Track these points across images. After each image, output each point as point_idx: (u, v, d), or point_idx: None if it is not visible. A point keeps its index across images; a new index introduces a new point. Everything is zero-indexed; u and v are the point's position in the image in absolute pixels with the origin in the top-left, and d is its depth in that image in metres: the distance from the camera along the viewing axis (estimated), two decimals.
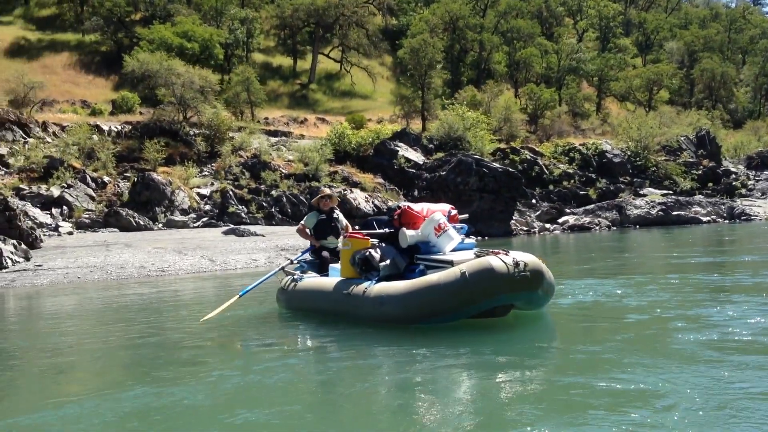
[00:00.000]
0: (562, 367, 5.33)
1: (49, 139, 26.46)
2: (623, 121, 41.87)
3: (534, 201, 32.82)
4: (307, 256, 9.00)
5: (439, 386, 4.93)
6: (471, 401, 4.56)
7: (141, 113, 35.47)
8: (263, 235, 20.22)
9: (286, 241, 19.83)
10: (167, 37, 50.53)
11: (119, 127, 28.50)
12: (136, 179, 22.88)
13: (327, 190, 9.18)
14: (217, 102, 29.37)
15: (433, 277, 6.39)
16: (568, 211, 31.55)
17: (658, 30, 78.21)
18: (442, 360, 5.51)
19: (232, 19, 58.58)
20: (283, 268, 8.76)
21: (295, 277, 8.21)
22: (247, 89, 42.01)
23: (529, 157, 34.56)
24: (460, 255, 6.66)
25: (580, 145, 37.75)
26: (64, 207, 20.69)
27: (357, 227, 8.24)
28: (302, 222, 8.75)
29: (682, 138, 40.41)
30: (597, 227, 30.05)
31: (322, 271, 8.34)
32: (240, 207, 24.08)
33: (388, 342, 6.30)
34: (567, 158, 36.00)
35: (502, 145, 36.36)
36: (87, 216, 20.65)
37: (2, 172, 22.81)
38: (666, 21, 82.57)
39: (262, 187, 25.60)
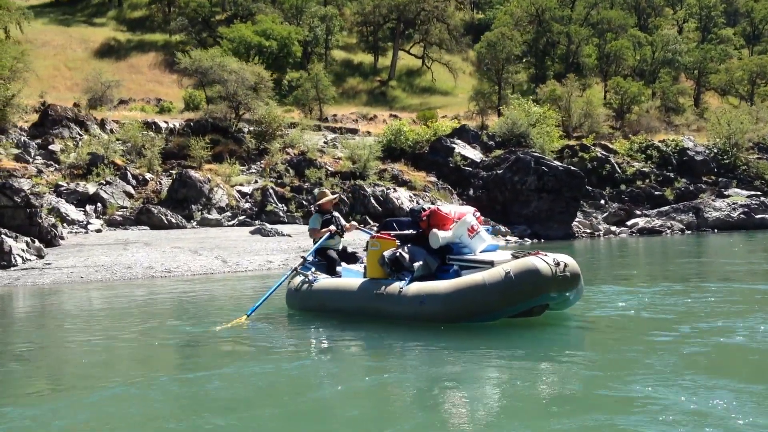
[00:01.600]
0: (589, 371, 5.33)
1: (105, 137, 26.92)
2: (711, 116, 38.64)
3: (603, 202, 30.72)
4: (310, 258, 8.96)
5: (463, 387, 5.02)
6: (494, 403, 4.61)
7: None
8: (290, 235, 19.60)
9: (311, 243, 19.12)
10: (246, 36, 51.26)
11: (176, 125, 28.68)
12: (174, 177, 22.79)
13: (327, 191, 9.37)
14: (270, 98, 29.01)
15: (477, 276, 6.52)
16: (638, 213, 29.32)
17: (767, 19, 72.56)
18: (468, 360, 5.66)
19: (312, 17, 58.76)
20: (295, 269, 8.66)
21: (309, 278, 8.14)
22: (316, 86, 41.71)
23: (600, 155, 32.41)
24: (498, 255, 6.85)
25: (659, 141, 35.12)
26: (99, 204, 20.82)
27: (377, 229, 8.34)
28: (310, 227, 8.94)
29: None
30: (669, 231, 27.72)
31: (330, 272, 8.44)
32: (279, 205, 23.60)
33: (416, 342, 6.43)
34: (644, 156, 33.54)
35: (572, 142, 34.28)
36: (120, 213, 20.68)
37: (52, 169, 23.28)
38: None
39: (306, 185, 25.03)
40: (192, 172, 23.02)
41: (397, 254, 7.22)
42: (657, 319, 7.39)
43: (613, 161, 32.27)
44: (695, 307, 8.17)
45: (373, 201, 23.99)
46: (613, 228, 28.18)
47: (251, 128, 28.79)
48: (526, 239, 26.29)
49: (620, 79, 51.60)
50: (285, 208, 23.72)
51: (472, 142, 31.40)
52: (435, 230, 7.11)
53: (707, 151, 34.47)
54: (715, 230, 27.95)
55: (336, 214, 8.97)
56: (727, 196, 30.87)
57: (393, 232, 7.71)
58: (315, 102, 42.60)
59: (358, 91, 61.33)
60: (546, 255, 6.49)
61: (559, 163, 28.04)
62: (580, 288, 6.82)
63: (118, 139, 24.83)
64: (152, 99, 42.65)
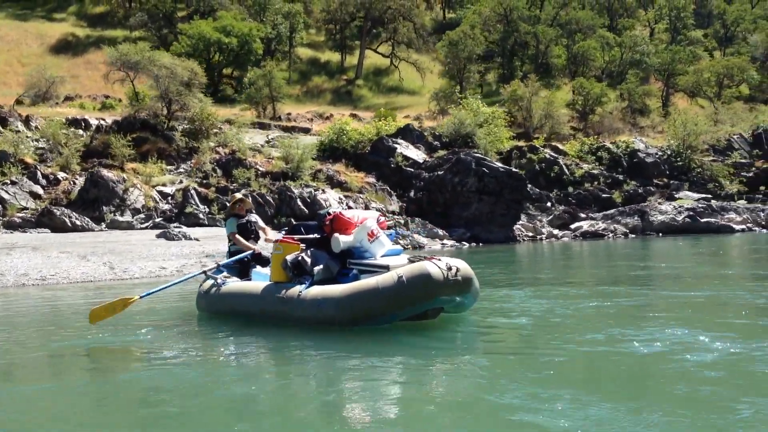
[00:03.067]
0: (467, 378, 5.33)
1: (11, 135, 25.80)
2: (670, 118, 37.99)
3: (549, 204, 29.93)
4: (224, 261, 8.91)
5: (357, 392, 5.01)
6: (397, 404, 4.64)
7: None
8: (197, 239, 18.62)
9: (220, 247, 18.11)
10: (206, 32, 50.22)
11: (107, 122, 27.59)
12: (86, 177, 21.72)
13: (238, 195, 9.30)
14: (203, 96, 27.97)
15: (371, 280, 6.62)
16: (582, 216, 28.53)
17: (739, 21, 72.21)
18: (370, 363, 5.68)
19: (275, 14, 57.72)
20: (204, 272, 8.64)
21: (218, 281, 8.19)
22: (269, 84, 40.69)
23: (549, 156, 31.63)
24: (395, 260, 6.94)
25: (610, 143, 34.40)
26: None
27: (284, 231, 8.39)
28: (227, 231, 8.71)
29: (735, 137, 36.27)
30: (612, 235, 26.95)
31: (242, 275, 8.41)
32: (201, 207, 22.62)
33: (317, 345, 6.42)
34: (594, 158, 32.77)
35: (521, 143, 33.48)
36: (21, 215, 19.59)
37: None
38: (750, 12, 76.08)
39: (233, 186, 24.05)
40: (104, 172, 21.95)
41: (299, 258, 7.30)
42: (552, 326, 7.31)
43: (561, 163, 31.51)
44: (594, 314, 8.06)
45: (299, 203, 23.04)
46: (556, 231, 27.38)
47: (184, 126, 27.73)
48: (464, 243, 25.45)
49: (583, 79, 50.94)
50: (207, 209, 22.73)
51: (416, 142, 30.53)
52: (336, 235, 7.17)
53: (660, 153, 33.78)
54: (660, 234, 27.21)
55: (254, 217, 8.82)
56: (677, 199, 30.17)
57: (297, 236, 7.75)
58: (268, 100, 41.58)
59: (323, 89, 60.35)
60: (439, 260, 6.56)
61: (500, 165, 27.20)
62: (474, 292, 6.90)
63: (40, 138, 23.68)
64: (100, 96, 41.45)
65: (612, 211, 28.82)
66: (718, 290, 10.22)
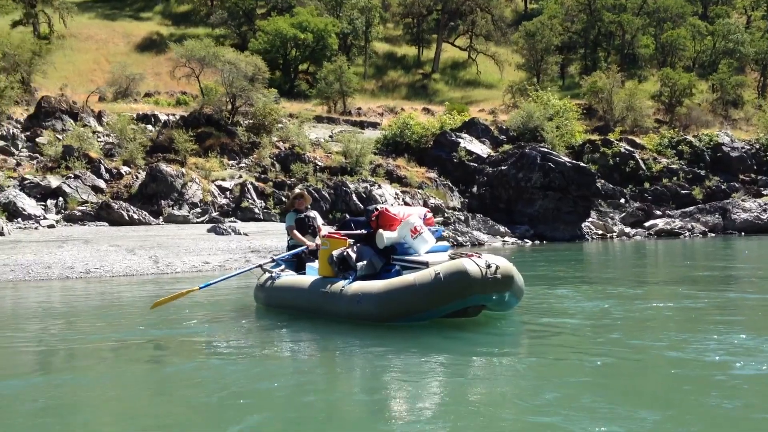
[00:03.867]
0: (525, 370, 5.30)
1: (100, 129, 26.59)
2: (762, 110, 35.54)
3: (623, 201, 28.48)
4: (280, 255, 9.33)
5: (398, 387, 4.99)
6: (440, 401, 4.57)
7: None
8: (247, 234, 18.59)
9: (267, 242, 18.02)
10: (282, 29, 50.72)
11: (175, 118, 28.12)
12: (147, 171, 22.10)
13: (298, 190, 9.50)
14: (268, 90, 28.08)
15: (409, 277, 6.63)
16: (658, 213, 26.96)
17: None
18: (413, 359, 5.65)
19: (352, 9, 57.74)
20: (261, 266, 8.86)
21: (273, 274, 8.37)
22: (339, 79, 40.62)
23: (624, 151, 30.07)
24: (435, 257, 6.93)
25: (693, 136, 32.43)
26: (60, 198, 20.28)
27: (336, 227, 8.41)
28: (286, 225, 8.90)
29: None
30: (689, 233, 25.34)
31: (299, 269, 8.51)
32: (257, 201, 22.63)
33: (364, 340, 6.44)
34: (674, 152, 30.95)
35: (595, 137, 32.02)
36: (81, 209, 20.09)
37: (34, 162, 22.97)
38: None
39: (290, 180, 23.97)
40: (163, 166, 22.26)
41: (345, 253, 7.33)
42: (603, 327, 7.00)
43: (638, 157, 29.91)
44: (652, 316, 7.71)
45: (354, 198, 22.72)
46: (628, 229, 25.99)
47: (248, 121, 27.91)
48: (526, 240, 24.52)
49: (669, 70, 48.43)
50: (263, 204, 22.72)
51: (481, 136, 29.68)
52: (380, 231, 7.22)
53: (748, 147, 31.59)
54: (742, 233, 25.40)
55: (312, 213, 8.94)
56: (764, 196, 28.13)
57: (344, 232, 7.80)
58: (339, 95, 41.52)
59: (398, 84, 60.00)
60: (479, 257, 6.53)
61: (567, 159, 26.04)
62: (516, 290, 6.80)
63: (110, 133, 24.30)
64: (177, 92, 42.46)
65: (691, 208, 27.15)
66: None
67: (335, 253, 7.40)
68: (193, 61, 29.05)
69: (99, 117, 27.60)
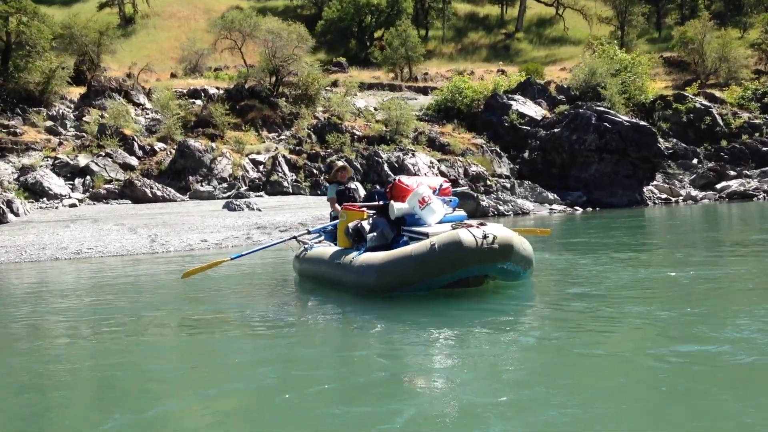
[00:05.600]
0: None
1: (149, 106, 26.91)
2: None
3: (696, 161, 25.99)
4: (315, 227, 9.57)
5: (408, 360, 4.85)
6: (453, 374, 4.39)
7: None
8: (260, 210, 18.12)
9: (279, 218, 17.48)
10: None
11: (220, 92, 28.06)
12: (177, 147, 22.07)
13: (340, 162, 9.44)
14: (311, 59, 27.42)
15: (407, 248, 6.63)
16: (732, 174, 24.39)
17: None
18: (421, 333, 5.54)
19: None
20: (295, 237, 9.12)
21: (307, 246, 8.56)
22: (404, 44, 39.40)
23: (699, 106, 27.36)
24: (438, 227, 6.83)
25: None
26: (88, 177, 20.57)
27: (359, 199, 8.48)
28: (328, 197, 8.95)
29: None
30: (765, 195, 22.76)
31: (334, 240, 8.53)
32: (288, 174, 22.14)
33: (368, 310, 6.47)
34: (759, 105, 27.87)
35: (667, 92, 29.35)
36: (106, 187, 20.29)
37: (79, 141, 23.47)
38: None
39: (325, 152, 23.34)
40: (191, 142, 22.12)
41: (359, 225, 7.37)
42: (618, 300, 6.57)
43: (715, 113, 27.14)
44: (676, 287, 7.16)
45: (386, 168, 21.79)
46: (695, 193, 23.66)
47: (291, 92, 27.40)
48: (577, 208, 22.82)
49: None
50: (294, 177, 22.23)
51: (537, 97, 27.80)
52: (392, 202, 7.23)
53: None
54: None
55: (353, 185, 8.91)
56: None
57: (360, 203, 7.92)
58: (405, 61, 40.36)
59: (479, 46, 57.89)
60: (478, 227, 6.39)
61: (626, 118, 23.91)
62: (519, 260, 6.60)
63: (158, 110, 24.49)
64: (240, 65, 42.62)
65: None
66: None
67: (350, 224, 7.50)
68: (234, 32, 28.76)
69: (149, 94, 27.91)
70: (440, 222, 7.05)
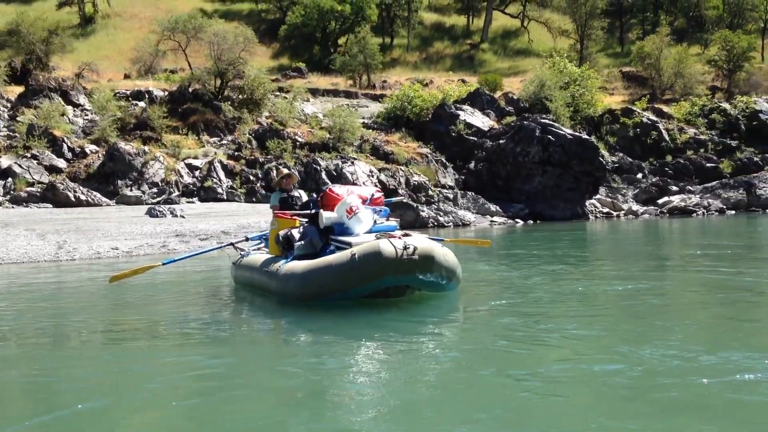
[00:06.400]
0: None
1: (89, 107, 26.18)
2: None
3: (641, 176, 25.90)
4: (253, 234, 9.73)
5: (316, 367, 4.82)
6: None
7: None
8: (183, 217, 17.54)
9: (201, 226, 16.88)
10: (320, 1, 49.60)
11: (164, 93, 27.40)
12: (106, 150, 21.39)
13: (285, 170, 9.64)
14: (272, 64, 26.86)
15: (329, 258, 6.71)
16: (675, 189, 24.31)
17: None
18: (340, 344, 5.57)
19: None
20: (232, 244, 9.12)
21: (243, 253, 8.67)
22: (362, 51, 39.02)
23: (646, 121, 27.31)
24: (363, 237, 6.87)
25: (728, 103, 29.20)
26: (10, 179, 19.81)
27: (297, 207, 8.41)
28: (270, 204, 8.84)
29: None
30: (704, 211, 22.68)
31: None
32: (224, 180, 21.59)
33: (312, 320, 6.47)
34: (706, 121, 27.91)
35: (616, 106, 29.30)
36: (28, 190, 19.54)
37: (9, 140, 22.67)
38: None
39: (264, 158, 22.82)
40: (122, 145, 21.45)
41: (289, 233, 7.47)
42: (538, 312, 6.74)
43: (661, 128, 27.11)
44: (594, 300, 7.46)
45: (324, 176, 21.33)
46: (636, 207, 23.53)
47: (240, 96, 26.84)
48: (518, 220, 22.55)
49: (727, 31, 44.31)
50: (230, 184, 21.67)
51: (486, 108, 27.55)
52: (321, 210, 7.30)
53: None
54: (767, 211, 22.55)
55: (297, 193, 8.76)
56: None
57: (291, 212, 7.95)
58: (363, 68, 39.95)
59: (444, 55, 57.75)
60: (399, 238, 6.45)
61: (569, 132, 23.74)
62: (442, 272, 6.64)
63: (97, 111, 23.77)
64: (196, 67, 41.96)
65: (714, 183, 24.38)
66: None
67: (281, 232, 7.59)
68: (178, 33, 28.14)
69: (90, 95, 27.16)
70: (369, 232, 7.08)
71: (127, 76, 37.67)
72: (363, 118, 29.07)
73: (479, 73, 50.99)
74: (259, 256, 8.18)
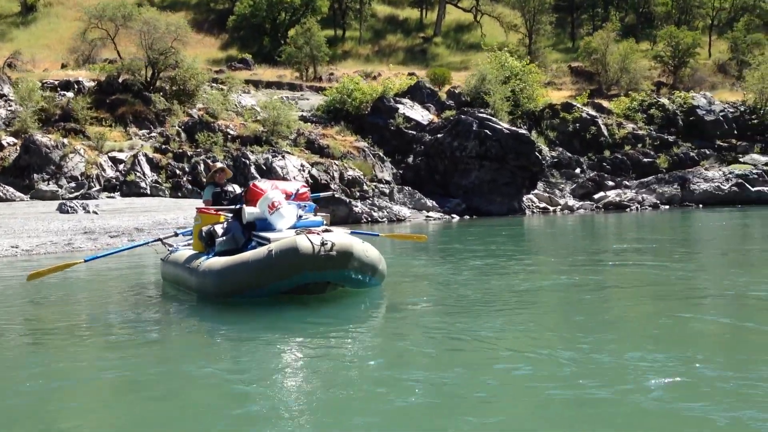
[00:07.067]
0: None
1: (12, 97, 25.08)
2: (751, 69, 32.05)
3: (579, 171, 25.78)
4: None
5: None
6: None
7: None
8: (96, 213, 16.77)
9: (113, 222, 16.09)
10: None
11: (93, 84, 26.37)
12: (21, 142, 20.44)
13: (219, 164, 9.71)
14: (221, 55, 26.05)
15: (246, 254, 6.67)
16: (611, 184, 24.24)
17: None
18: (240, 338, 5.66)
19: None
20: (161, 239, 8.97)
21: (171, 249, 8.52)
22: (308, 43, 38.32)
23: (586, 116, 27.20)
24: (282, 233, 6.80)
25: (667, 98, 29.30)
26: None
27: (225, 202, 8.26)
28: (203, 199, 8.69)
29: None
30: (638, 206, 22.64)
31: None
32: (149, 174, 20.81)
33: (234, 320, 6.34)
34: (645, 116, 27.92)
35: (556, 101, 29.18)
36: None
37: None
38: None
39: (193, 152, 22.08)
40: (38, 137, 20.54)
41: (212, 229, 7.40)
42: (455, 308, 6.71)
43: (600, 123, 27.03)
44: (507, 295, 7.45)
45: (253, 170, 20.69)
46: (572, 203, 23.40)
47: (174, 87, 25.96)
48: (454, 216, 22.21)
49: (673, 27, 44.72)
50: (154, 178, 20.91)
51: (426, 101, 27.16)
52: (243, 206, 7.22)
53: (732, 110, 28.35)
54: (700, 205, 22.60)
55: (231, 187, 8.55)
56: (741, 164, 25.09)
57: (215, 207, 7.85)
58: (309, 60, 39.27)
59: (396, 48, 57.25)
60: (318, 234, 6.42)
61: (506, 126, 23.46)
62: (362, 267, 6.65)
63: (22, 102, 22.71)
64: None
65: (649, 178, 24.36)
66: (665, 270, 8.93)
67: (204, 228, 7.49)
68: (106, 21, 27.19)
69: (15, 85, 26.02)
70: (293, 227, 6.97)
71: (64, 66, 36.47)
72: (302, 111, 28.46)
73: (431, 67, 50.74)
74: (185, 252, 8.05)
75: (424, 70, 48.69)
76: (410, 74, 43.82)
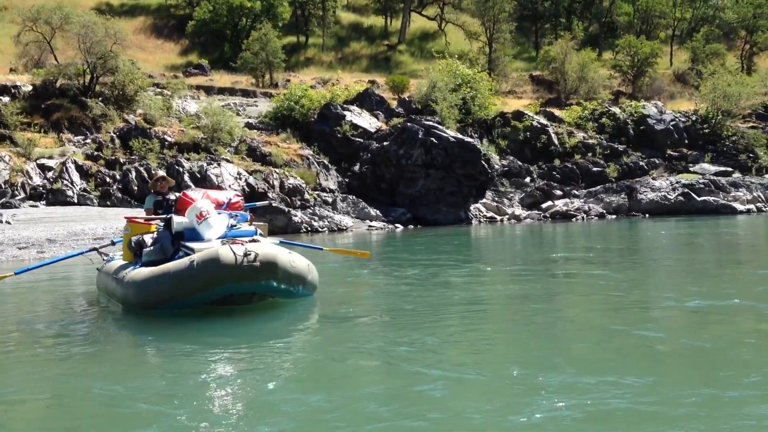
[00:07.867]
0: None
1: None
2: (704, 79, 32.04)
3: (529, 180, 25.41)
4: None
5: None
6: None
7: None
8: (9, 223, 15.97)
9: (26, 233, 15.26)
10: None
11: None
12: None
13: (161, 172, 9.64)
14: (181, 61, 25.30)
15: (168, 265, 6.60)
16: (559, 193, 23.90)
17: None
18: (179, 351, 5.53)
19: None
20: (96, 249, 8.81)
21: (106, 258, 8.37)
22: (264, 49, 37.69)
23: (536, 124, 26.87)
24: (206, 244, 6.64)
25: (618, 107, 29.13)
26: None
27: (161, 212, 8.12)
28: (145, 207, 8.49)
29: None
30: (584, 216, 22.31)
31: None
32: (77, 182, 19.99)
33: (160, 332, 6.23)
34: (596, 125, 27.69)
35: (507, 109, 28.86)
36: None
37: None
38: None
39: (126, 158, 21.31)
40: None
41: (140, 239, 7.33)
42: (389, 318, 6.74)
43: (551, 131, 26.71)
44: (444, 303, 7.39)
45: (187, 178, 19.98)
46: (519, 212, 23.00)
47: (116, 92, 25.14)
48: (398, 225, 21.68)
49: (632, 37, 44.87)
50: (83, 185, 20.10)
51: (375, 109, 26.65)
52: (173, 215, 7.12)
53: (684, 120, 28.24)
54: (646, 215, 22.34)
55: (173, 196, 8.34)
56: (690, 173, 24.92)
57: (144, 216, 7.77)
58: (265, 66, 38.63)
59: (360, 56, 56.91)
60: (242, 244, 6.30)
61: (452, 134, 23.00)
62: (288, 278, 6.53)
63: None
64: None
65: (597, 188, 24.07)
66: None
67: (134, 238, 7.38)
68: (41, 23, 26.37)
69: None
70: (223, 237, 6.81)
71: (13, 70, 35.46)
72: (250, 117, 27.81)
73: (394, 74, 50.36)
74: (117, 262, 7.88)
75: (386, 77, 48.37)
76: (371, 82, 43.44)
